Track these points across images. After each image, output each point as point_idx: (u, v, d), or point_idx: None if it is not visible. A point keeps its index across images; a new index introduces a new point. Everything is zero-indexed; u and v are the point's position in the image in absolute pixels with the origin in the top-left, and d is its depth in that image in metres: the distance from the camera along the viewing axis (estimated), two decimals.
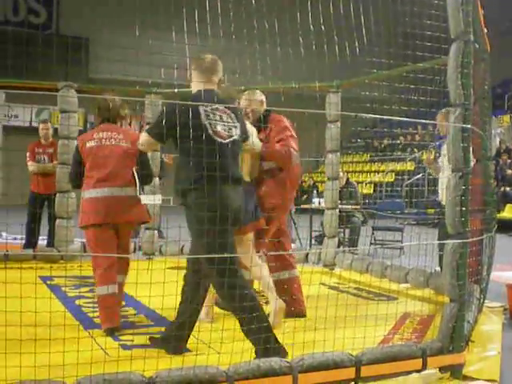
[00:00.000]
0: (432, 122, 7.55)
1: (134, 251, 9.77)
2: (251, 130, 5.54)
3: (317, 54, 8.50)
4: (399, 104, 7.95)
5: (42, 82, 9.64)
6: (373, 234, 12.24)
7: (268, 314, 4.65)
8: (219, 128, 4.37)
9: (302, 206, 13.72)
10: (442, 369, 4.21)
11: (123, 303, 5.63)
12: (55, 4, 29.29)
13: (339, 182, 9.68)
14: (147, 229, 9.73)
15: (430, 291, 6.84)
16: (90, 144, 5.37)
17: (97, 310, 5.23)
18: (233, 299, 4.20)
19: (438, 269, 6.85)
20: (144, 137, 4.62)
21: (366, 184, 24.90)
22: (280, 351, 4.09)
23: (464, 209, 4.24)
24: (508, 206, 18.08)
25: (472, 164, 4.66)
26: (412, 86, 7.05)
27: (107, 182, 5.21)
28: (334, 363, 3.76)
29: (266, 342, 4.10)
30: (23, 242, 8.93)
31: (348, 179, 12.54)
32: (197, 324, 4.56)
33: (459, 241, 4.24)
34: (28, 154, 9.42)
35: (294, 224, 12.14)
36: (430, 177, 8.15)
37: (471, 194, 4.37)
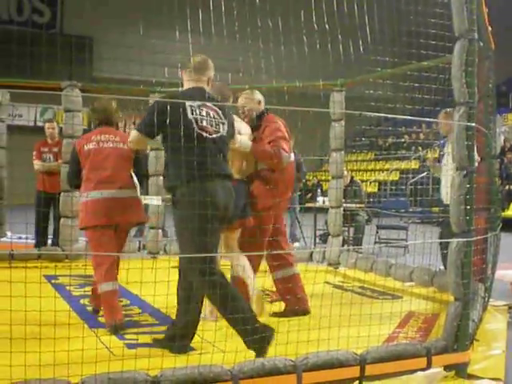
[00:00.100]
0: (436, 120, 7.52)
1: (139, 250, 9.79)
2: (245, 129, 5.58)
3: (321, 53, 8.50)
4: (403, 102, 7.93)
5: (46, 81, 9.66)
6: (377, 232, 12.23)
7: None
8: (205, 123, 4.45)
9: (307, 205, 13.70)
10: (446, 367, 4.21)
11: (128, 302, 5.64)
12: (59, 3, 29.27)
13: (343, 180, 9.67)
14: (152, 228, 9.74)
15: (435, 290, 6.83)
16: (88, 146, 5.47)
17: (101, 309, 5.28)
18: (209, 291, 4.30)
19: (443, 267, 6.85)
20: (133, 133, 4.68)
21: (370, 183, 24.83)
22: (265, 330, 4.18)
23: (469, 207, 4.24)
24: None
25: (476, 162, 4.65)
26: (416, 85, 7.04)
27: (106, 184, 5.32)
28: (339, 362, 3.76)
29: (251, 329, 4.16)
30: (27, 241, 8.93)
31: (352, 178, 12.51)
32: (201, 323, 4.56)
33: (464, 239, 4.23)
34: (34, 153, 9.45)
35: (299, 223, 12.13)
36: (435, 175, 8.13)
37: (476, 193, 4.37)
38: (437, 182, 7.94)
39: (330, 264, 9.00)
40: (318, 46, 8.31)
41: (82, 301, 6.12)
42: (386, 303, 5.60)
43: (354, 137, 27.83)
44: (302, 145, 11.99)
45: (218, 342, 4.16)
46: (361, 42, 7.46)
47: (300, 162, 11.87)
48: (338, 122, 8.96)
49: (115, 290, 5.22)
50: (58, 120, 12.02)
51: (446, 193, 6.73)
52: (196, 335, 4.52)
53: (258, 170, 5.80)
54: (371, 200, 15.87)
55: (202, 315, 4.76)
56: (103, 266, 5.22)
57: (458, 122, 4.26)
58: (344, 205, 9.54)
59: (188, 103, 4.41)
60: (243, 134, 5.47)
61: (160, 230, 9.96)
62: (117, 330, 5.00)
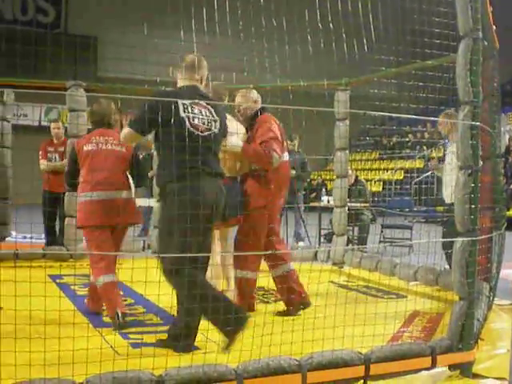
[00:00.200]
0: (440, 119, 7.52)
1: (143, 249, 9.78)
2: (238, 129, 5.61)
3: (325, 52, 8.48)
4: (408, 102, 7.92)
5: (50, 81, 9.67)
6: (382, 231, 12.23)
7: None
8: (197, 121, 4.50)
9: (311, 204, 13.70)
10: (451, 367, 4.21)
11: (133, 301, 5.65)
12: (64, 3, 29.28)
13: (348, 179, 9.67)
14: (156, 227, 9.73)
15: (440, 289, 6.82)
16: (87, 147, 5.59)
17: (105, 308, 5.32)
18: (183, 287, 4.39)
19: (447, 267, 6.84)
20: (125, 130, 4.72)
21: (374, 182, 24.84)
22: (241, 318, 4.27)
23: (473, 206, 4.23)
24: None
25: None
26: (421, 84, 7.02)
27: (104, 185, 5.44)
28: (343, 361, 3.76)
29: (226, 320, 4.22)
30: (32, 240, 8.94)
31: (357, 177, 12.51)
32: (206, 322, 4.56)
33: (468, 238, 4.23)
34: (40, 153, 9.49)
35: (303, 222, 12.13)
36: (439, 175, 8.13)
37: (480, 192, 4.36)
38: (441, 181, 7.93)
39: (334, 263, 8.99)
40: (322, 45, 8.29)
41: (86, 300, 6.12)
42: (390, 302, 5.58)
43: (358, 136, 27.78)
44: (307, 144, 12.02)
45: (222, 341, 4.16)
46: (365, 41, 7.44)
47: (305, 162, 11.88)
48: (342, 122, 8.96)
49: (115, 282, 5.37)
50: (63, 120, 12.05)
51: (450, 192, 6.73)
52: (200, 334, 4.52)
53: (252, 169, 5.82)
54: (376, 199, 15.88)
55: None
56: (102, 263, 5.38)
57: (462, 122, 4.25)
58: (349, 204, 9.54)
59: (181, 102, 4.46)
60: (236, 134, 5.51)
61: None
62: (121, 319, 5.11)
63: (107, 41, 26.39)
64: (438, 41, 5.77)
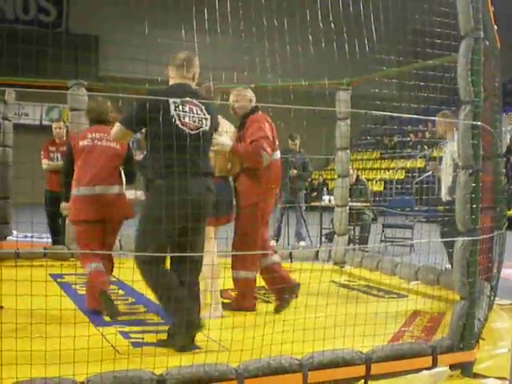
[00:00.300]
0: (440, 119, 7.51)
1: None
2: (228, 128, 5.63)
3: (326, 52, 8.49)
4: (409, 101, 7.92)
5: (52, 80, 9.67)
6: (383, 231, 12.23)
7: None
8: (187, 119, 4.52)
9: (312, 204, 13.70)
10: (452, 366, 4.21)
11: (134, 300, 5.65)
12: (65, 3, 29.30)
13: (349, 179, 9.66)
14: None
15: (441, 289, 6.81)
16: (83, 143, 5.70)
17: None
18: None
19: (449, 266, 6.83)
20: (116, 127, 4.74)
21: (376, 181, 24.83)
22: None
23: (474, 206, 4.23)
24: None
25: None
26: (422, 84, 7.02)
27: (98, 180, 5.57)
28: (344, 361, 3.76)
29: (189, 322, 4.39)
30: (33, 239, 8.94)
31: (358, 177, 12.50)
32: (206, 321, 4.56)
33: (469, 238, 4.23)
34: (42, 153, 9.49)
35: (304, 221, 12.13)
36: (439, 174, 8.13)
37: (481, 192, 4.36)
38: (440, 181, 7.94)
39: (335, 263, 8.99)
40: (323, 44, 8.30)
41: (86, 300, 6.12)
42: (391, 302, 5.59)
43: (359, 135, 27.79)
44: (308, 144, 12.01)
45: (223, 341, 4.16)
46: (366, 41, 7.45)
47: (306, 161, 11.88)
48: (343, 121, 8.94)
49: (103, 269, 5.51)
50: (64, 119, 12.05)
51: (446, 191, 6.77)
52: (201, 333, 4.52)
53: (244, 167, 5.84)
54: (377, 199, 15.86)
55: (206, 314, 4.78)
56: (90, 255, 5.50)
57: (463, 121, 4.25)
58: (350, 203, 9.53)
59: (171, 100, 4.48)
60: (225, 133, 5.53)
61: None
62: (108, 297, 5.22)
63: (108, 40, 26.40)
64: (439, 40, 5.77)
